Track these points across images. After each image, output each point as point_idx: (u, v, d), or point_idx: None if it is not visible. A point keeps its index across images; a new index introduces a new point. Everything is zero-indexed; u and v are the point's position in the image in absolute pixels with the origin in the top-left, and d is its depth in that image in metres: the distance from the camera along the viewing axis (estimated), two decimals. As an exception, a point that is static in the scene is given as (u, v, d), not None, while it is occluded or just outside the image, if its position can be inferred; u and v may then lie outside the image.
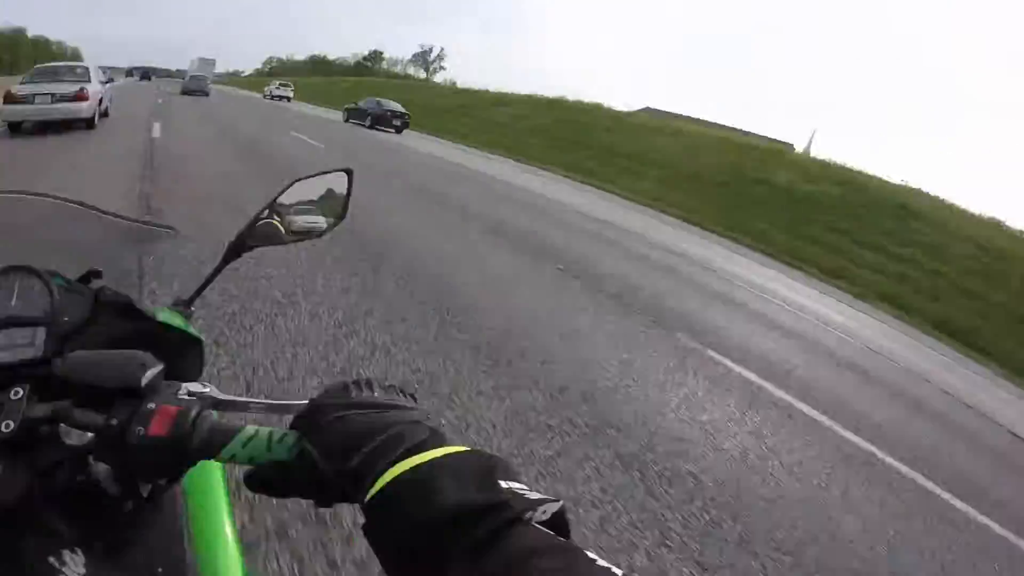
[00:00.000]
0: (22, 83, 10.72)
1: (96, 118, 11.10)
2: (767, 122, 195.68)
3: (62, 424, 0.48)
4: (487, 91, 33.87)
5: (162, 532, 0.55)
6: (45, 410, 0.47)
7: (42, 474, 0.49)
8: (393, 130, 22.14)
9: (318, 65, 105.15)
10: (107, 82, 13.14)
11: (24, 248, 0.67)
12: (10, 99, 9.91)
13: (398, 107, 23.09)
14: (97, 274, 0.67)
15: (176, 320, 0.70)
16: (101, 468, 0.53)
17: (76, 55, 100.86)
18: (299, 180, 0.78)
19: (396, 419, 0.40)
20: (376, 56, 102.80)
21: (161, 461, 0.43)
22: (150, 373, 0.46)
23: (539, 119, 25.82)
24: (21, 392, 0.48)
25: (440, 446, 0.36)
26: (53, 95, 10.39)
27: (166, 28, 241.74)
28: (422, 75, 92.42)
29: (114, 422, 0.43)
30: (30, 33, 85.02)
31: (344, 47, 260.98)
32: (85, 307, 0.59)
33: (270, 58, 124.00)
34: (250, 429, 0.43)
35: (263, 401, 0.48)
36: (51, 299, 0.57)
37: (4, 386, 0.50)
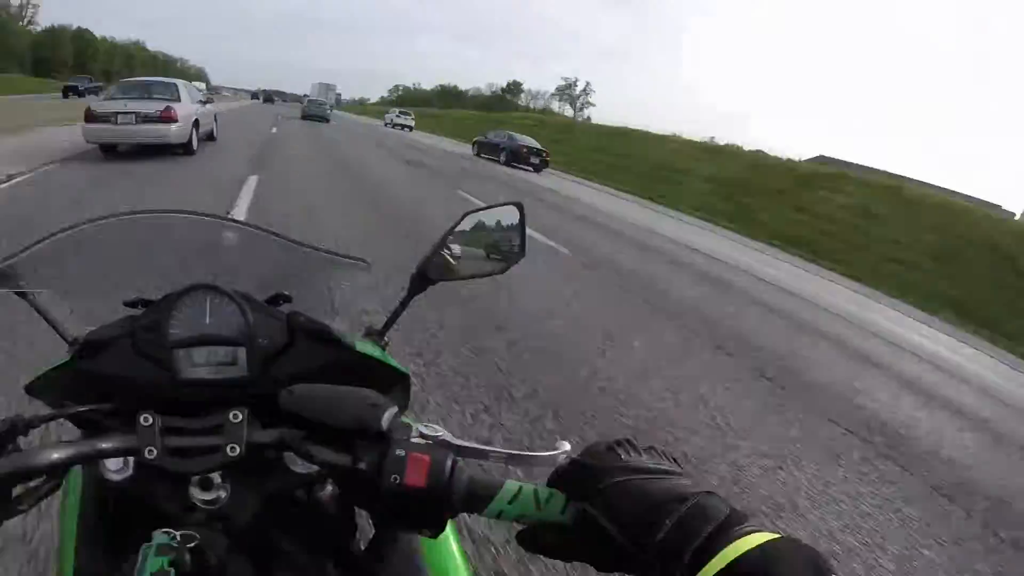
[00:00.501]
0: (105, 99, 9.29)
1: (194, 142, 9.69)
2: (946, 173, 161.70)
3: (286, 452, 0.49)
4: (646, 131, 29.95)
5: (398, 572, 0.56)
6: (270, 437, 0.49)
7: (269, 498, 0.53)
8: (531, 168, 19.72)
9: (447, 95, 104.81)
10: (205, 102, 11.15)
11: (211, 269, 0.68)
12: (90, 117, 8.52)
13: (533, 142, 20.45)
14: (287, 298, 0.70)
15: (375, 351, 0.68)
16: (326, 494, 0.61)
17: (199, 75, 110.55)
18: (468, 213, 0.78)
19: (685, 488, 0.38)
20: (514, 88, 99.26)
21: (423, 512, 0.43)
22: (388, 415, 0.45)
23: (717, 169, 21.22)
24: (241, 416, 0.50)
25: (744, 522, 0.36)
26: (137, 114, 8.58)
27: (295, 54, 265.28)
28: (567, 111, 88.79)
29: (362, 466, 0.43)
30: (150, 47, 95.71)
31: (476, 77, 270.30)
32: (281, 331, 0.60)
33: (396, 86, 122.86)
34: (513, 485, 0.43)
35: (503, 451, 0.46)
36: (246, 320, 0.59)
37: (211, 405, 0.53)
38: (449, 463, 0.43)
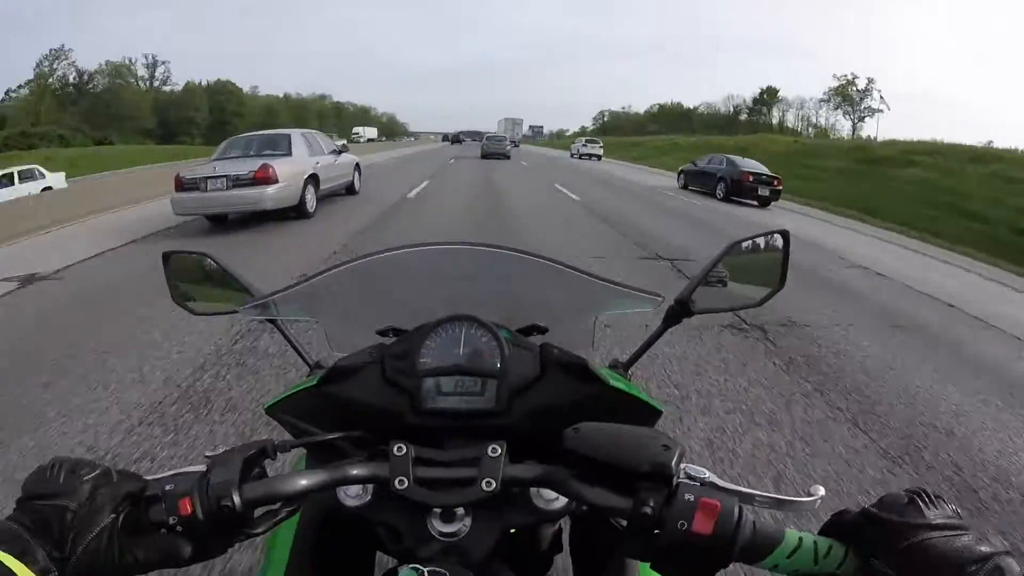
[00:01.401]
0: (208, 162, 8.29)
1: (309, 203, 8.30)
2: None
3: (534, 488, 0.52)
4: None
5: None
6: (529, 473, 0.50)
7: (504, 532, 0.54)
8: (757, 203, 15.20)
9: (668, 116, 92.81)
10: (339, 151, 9.68)
11: (470, 297, 0.69)
12: (180, 185, 7.51)
13: (759, 167, 15.86)
14: (542, 330, 0.73)
15: (626, 385, 0.68)
16: (545, 532, 0.64)
17: (392, 121, 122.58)
18: (736, 243, 0.80)
19: (980, 548, 0.38)
20: (768, 97, 79.51)
21: (701, 561, 0.43)
22: (677, 456, 0.45)
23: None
24: (499, 450, 0.51)
25: None
26: (228, 177, 7.38)
27: (493, 94, 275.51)
28: (840, 123, 73.28)
29: (648, 510, 0.43)
30: (335, 98, 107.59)
31: (706, 92, 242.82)
32: (533, 363, 0.62)
33: (601, 112, 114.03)
34: (793, 536, 0.43)
35: (769, 495, 0.46)
36: (501, 352, 0.61)
37: (454, 435, 0.57)
38: (736, 510, 0.43)
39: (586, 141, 40.01)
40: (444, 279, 0.77)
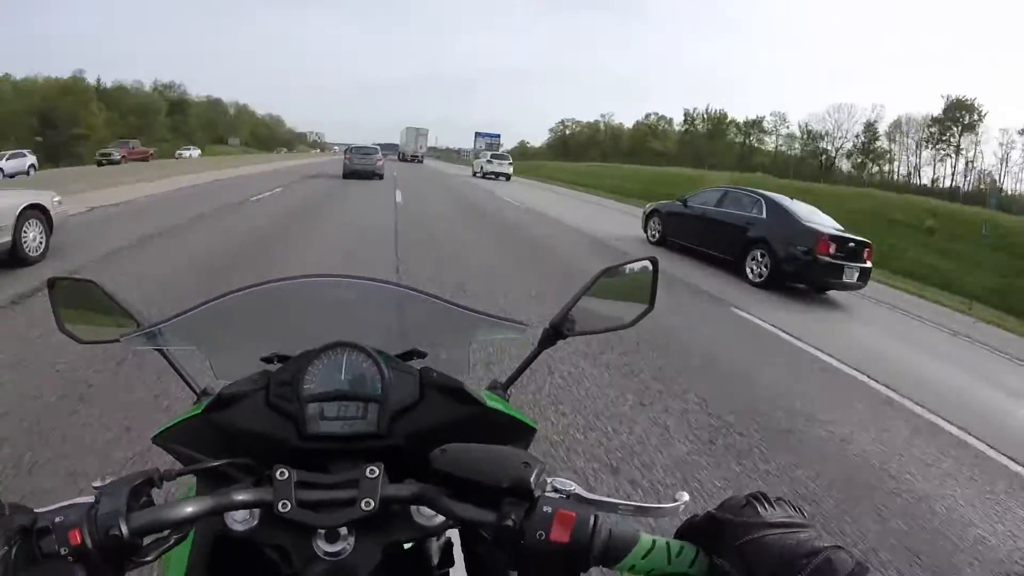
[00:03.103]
0: None
1: None
2: None
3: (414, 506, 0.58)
4: None
5: None
6: (405, 492, 0.55)
7: (387, 549, 0.58)
8: (814, 288, 8.39)
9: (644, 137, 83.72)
10: None
11: (349, 326, 0.74)
12: None
13: (833, 223, 8.76)
14: (421, 354, 0.79)
15: (502, 405, 0.75)
16: (435, 546, 0.69)
17: (276, 126, 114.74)
18: (607, 269, 0.87)
19: (815, 542, 0.43)
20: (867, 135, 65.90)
21: (561, 567, 0.48)
22: (536, 472, 0.51)
23: None
24: (377, 471, 0.55)
25: (864, 574, 0.41)
26: None
27: (448, 108, 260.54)
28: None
29: (509, 522, 0.49)
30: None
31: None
32: (413, 386, 0.68)
33: (561, 122, 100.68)
34: (647, 539, 0.48)
35: (631, 503, 0.52)
36: (382, 377, 0.66)
37: (337, 458, 0.63)
38: (592, 519, 0.48)
39: (491, 157, 34.90)
40: (326, 308, 0.81)
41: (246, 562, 0.64)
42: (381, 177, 22.27)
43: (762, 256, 8.07)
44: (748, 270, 8.21)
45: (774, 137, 78.18)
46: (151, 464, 0.58)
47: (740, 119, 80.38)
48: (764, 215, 8.46)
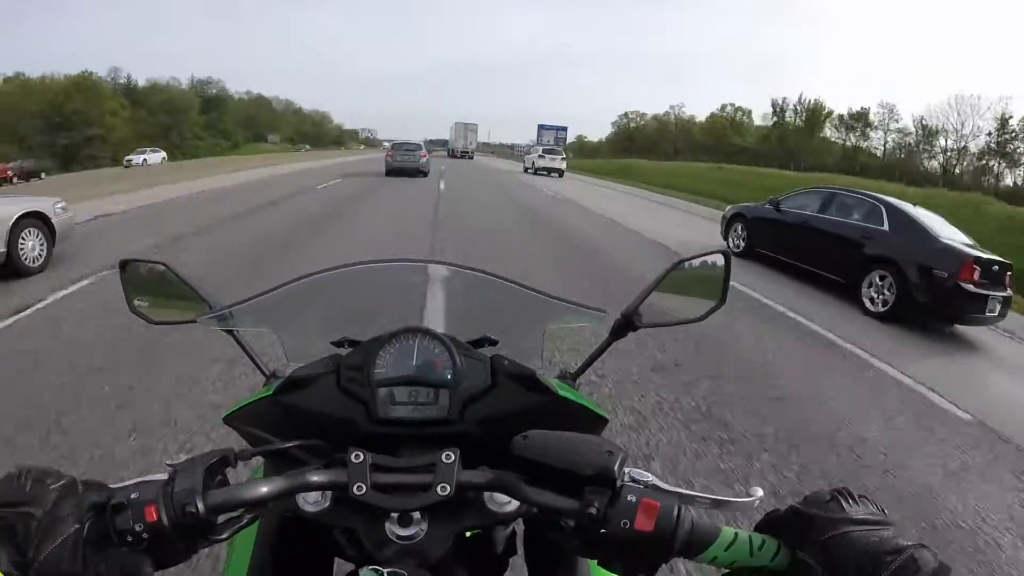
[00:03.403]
0: None
1: None
2: None
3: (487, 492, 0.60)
4: None
5: None
6: (481, 478, 0.57)
7: (460, 534, 0.61)
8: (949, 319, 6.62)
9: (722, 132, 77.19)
10: None
11: (423, 310, 0.81)
12: None
13: (970, 242, 7.04)
14: (492, 342, 0.82)
15: (574, 394, 0.77)
16: (499, 535, 0.73)
17: (323, 122, 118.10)
18: (681, 261, 0.89)
19: (899, 541, 0.46)
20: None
21: (646, 556, 0.51)
22: (619, 460, 0.53)
23: None
24: (453, 456, 0.57)
25: (948, 573, 0.44)
26: None
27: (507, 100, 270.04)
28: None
29: (593, 510, 0.51)
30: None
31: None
32: (484, 373, 0.71)
33: (624, 115, 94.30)
34: (729, 532, 0.51)
35: (708, 496, 0.54)
36: (454, 363, 0.70)
37: (409, 442, 0.66)
38: (676, 509, 0.50)
39: (543, 151, 33.89)
40: (398, 293, 0.88)
41: (312, 545, 0.70)
42: (425, 174, 22.18)
43: (883, 280, 6.70)
44: (866, 297, 6.85)
45: (882, 133, 68.71)
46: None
47: (840, 111, 71.54)
48: (887, 227, 7.06)
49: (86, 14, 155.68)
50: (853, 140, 69.83)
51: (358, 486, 0.56)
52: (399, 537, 0.59)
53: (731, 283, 0.89)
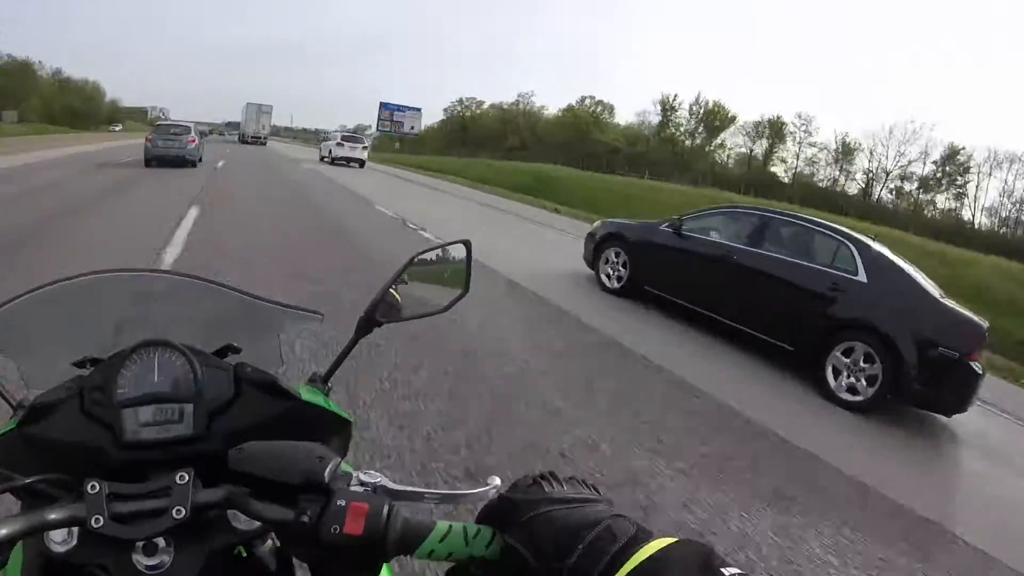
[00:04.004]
0: None
1: None
2: None
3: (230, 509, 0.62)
4: None
5: None
6: (215, 496, 0.60)
7: (211, 557, 0.63)
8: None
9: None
10: None
11: (159, 323, 0.81)
12: None
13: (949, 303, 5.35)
14: (236, 349, 0.84)
15: (320, 399, 0.83)
16: (266, 549, 0.74)
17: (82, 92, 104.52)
18: (420, 254, 0.97)
19: (598, 514, 0.51)
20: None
21: (360, 559, 0.55)
22: (331, 466, 0.57)
23: None
24: (187, 477, 0.60)
25: (649, 539, 0.47)
26: None
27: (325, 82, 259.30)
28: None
29: (305, 519, 0.54)
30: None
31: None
32: (227, 384, 0.74)
33: (459, 101, 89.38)
34: (443, 525, 0.55)
35: (437, 492, 0.60)
36: (195, 376, 0.72)
37: (158, 465, 0.67)
38: (385, 509, 0.54)
39: (343, 138, 33.48)
40: (136, 305, 0.89)
41: None
42: (194, 164, 19.60)
43: (852, 352, 4.86)
44: (832, 377, 4.92)
45: (793, 145, 66.26)
46: None
47: (747, 117, 69.34)
48: (862, 276, 5.20)
49: None
50: (760, 151, 68.57)
51: (96, 518, 0.57)
52: (147, 567, 0.61)
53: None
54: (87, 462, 0.67)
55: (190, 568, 0.62)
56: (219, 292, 0.86)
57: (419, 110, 61.73)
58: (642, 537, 0.47)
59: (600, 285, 7.64)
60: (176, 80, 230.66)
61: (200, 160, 20.43)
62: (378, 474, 0.59)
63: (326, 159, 31.99)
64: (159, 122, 22.00)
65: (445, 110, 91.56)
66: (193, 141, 19.94)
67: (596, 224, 8.49)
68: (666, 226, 7.01)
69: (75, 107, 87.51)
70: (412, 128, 54.74)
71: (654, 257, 7.03)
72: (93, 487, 0.58)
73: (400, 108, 59.11)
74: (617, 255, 7.50)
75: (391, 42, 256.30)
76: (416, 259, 0.95)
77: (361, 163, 30.88)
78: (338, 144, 31.75)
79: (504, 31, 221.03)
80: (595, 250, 7.88)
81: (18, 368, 0.83)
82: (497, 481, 0.60)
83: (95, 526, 0.57)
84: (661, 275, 6.91)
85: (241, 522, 0.65)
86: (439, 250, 0.99)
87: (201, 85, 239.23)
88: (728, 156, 70.45)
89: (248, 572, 0.73)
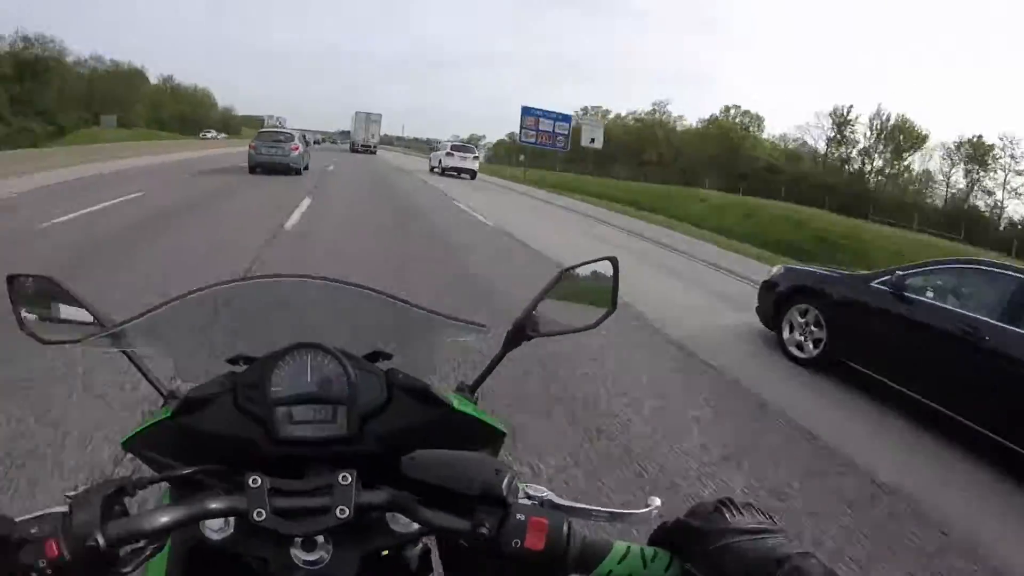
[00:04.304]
0: None
1: None
2: None
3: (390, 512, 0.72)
4: None
5: None
6: (380, 499, 0.69)
7: (366, 557, 0.73)
8: None
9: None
10: None
11: (312, 327, 0.92)
12: None
13: None
14: (386, 355, 0.95)
15: (471, 408, 0.93)
16: (413, 554, 0.85)
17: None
18: (567, 270, 1.09)
19: (783, 549, 0.56)
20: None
21: (539, 573, 0.62)
22: (507, 479, 0.64)
23: None
24: (350, 478, 0.69)
25: None
26: None
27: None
28: None
29: (483, 530, 0.62)
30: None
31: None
32: (380, 388, 0.84)
33: (583, 110, 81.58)
34: (621, 546, 0.62)
35: (605, 510, 0.68)
36: (348, 378, 0.81)
37: (311, 461, 0.78)
38: (565, 527, 0.61)
39: (452, 148, 34.67)
40: (290, 308, 1.01)
41: (225, 571, 0.77)
42: (299, 172, 21.79)
43: None
44: None
45: (1002, 174, 56.70)
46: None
47: (946, 139, 61.58)
48: None
49: None
50: (963, 177, 60.15)
51: (257, 512, 0.65)
52: (305, 562, 0.70)
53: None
54: (239, 454, 0.77)
55: (347, 566, 0.71)
56: (375, 299, 0.92)
57: (569, 118, 47.74)
58: None
59: (783, 351, 6.80)
60: (294, 90, 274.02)
61: (306, 168, 22.38)
62: (544, 489, 0.70)
63: (435, 169, 33.76)
64: (262, 129, 24.27)
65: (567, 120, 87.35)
66: (296, 149, 21.52)
67: (776, 270, 7.69)
68: (879, 282, 6.07)
69: (185, 113, 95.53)
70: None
71: (863, 324, 6.15)
72: (255, 481, 0.67)
73: (548, 114, 45.45)
74: (807, 314, 6.64)
75: (501, 54, 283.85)
76: (564, 275, 1.08)
77: (472, 174, 32.47)
78: (448, 154, 33.31)
79: (618, 40, 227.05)
80: (776, 304, 7.07)
81: (173, 361, 0.96)
82: (658, 502, 0.71)
83: (257, 519, 0.65)
84: (873, 350, 6.00)
85: (399, 525, 0.76)
86: (586, 267, 1.09)
87: (318, 95, 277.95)
88: (915, 183, 61.96)
89: (390, 571, 0.81)
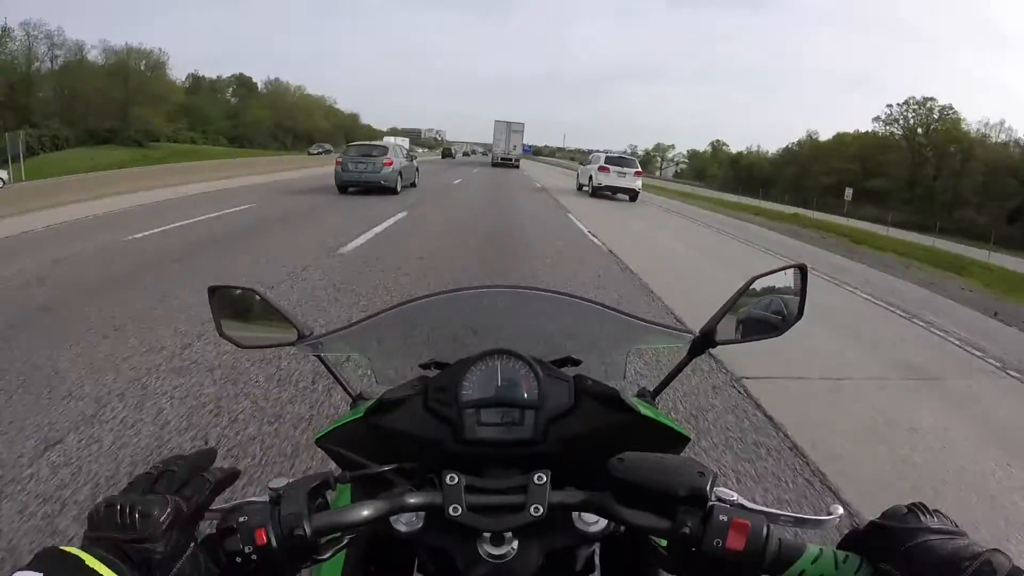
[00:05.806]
0: None
1: None
2: None
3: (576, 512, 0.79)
4: None
5: None
6: (575, 498, 0.75)
7: (548, 555, 0.78)
8: None
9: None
10: None
11: (504, 333, 1.04)
12: None
13: None
14: (575, 362, 1.07)
15: (655, 413, 1.01)
16: (587, 552, 0.89)
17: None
18: (756, 278, 1.12)
19: (975, 547, 0.61)
20: None
21: (736, 573, 0.66)
22: (711, 481, 0.70)
23: None
24: (544, 478, 0.75)
25: None
26: None
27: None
28: None
29: (686, 530, 0.67)
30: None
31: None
32: (567, 394, 0.92)
33: (807, 136, 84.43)
34: (814, 549, 0.67)
35: (791, 515, 0.72)
36: (539, 384, 0.90)
37: (495, 461, 0.85)
38: (765, 527, 0.67)
39: (607, 161, 25.93)
40: (482, 316, 1.15)
41: (396, 561, 0.90)
42: (394, 191, 19.84)
43: None
44: None
45: None
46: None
47: None
48: None
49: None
50: None
51: (454, 507, 0.72)
52: (491, 556, 0.75)
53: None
54: (425, 454, 0.85)
55: (532, 562, 0.76)
56: (572, 304, 1.05)
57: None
58: (1016, 574, 0.57)
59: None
60: (452, 106, 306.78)
61: (413, 184, 21.44)
62: (733, 492, 0.71)
63: (585, 187, 27.28)
64: (352, 143, 23.26)
65: (792, 143, 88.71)
66: (390, 163, 19.39)
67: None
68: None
69: (344, 130, 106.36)
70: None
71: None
72: (452, 479, 0.74)
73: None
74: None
75: (655, 71, 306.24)
76: (753, 282, 1.10)
77: (633, 195, 25.59)
78: (600, 168, 25.58)
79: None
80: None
81: (371, 366, 1.12)
82: (840, 510, 0.72)
83: (453, 514, 0.72)
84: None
85: (583, 525, 0.80)
86: (776, 274, 1.10)
87: (474, 110, 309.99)
88: None
89: (559, 569, 0.85)
